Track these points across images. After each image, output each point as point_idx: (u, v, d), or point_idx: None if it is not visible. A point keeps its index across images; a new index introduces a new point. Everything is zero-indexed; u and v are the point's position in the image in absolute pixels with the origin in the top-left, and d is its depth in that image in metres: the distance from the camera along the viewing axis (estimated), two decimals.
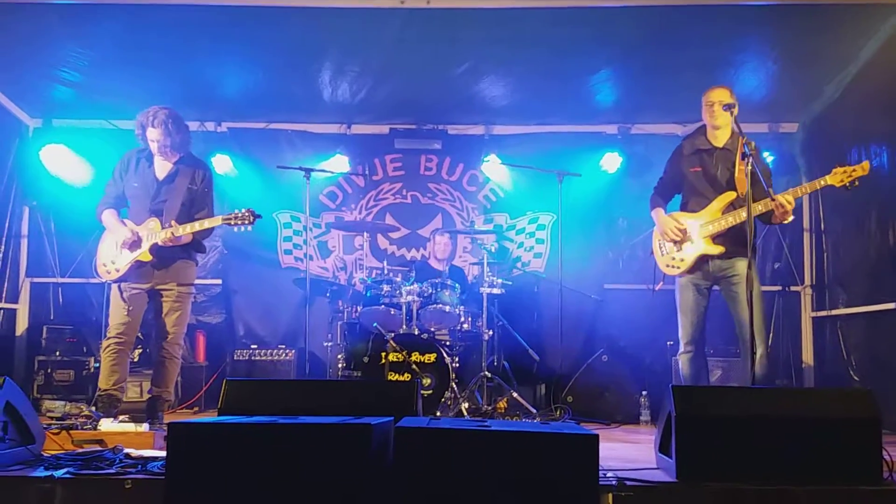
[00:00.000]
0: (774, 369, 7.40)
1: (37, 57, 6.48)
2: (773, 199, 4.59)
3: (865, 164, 4.60)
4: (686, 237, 5.01)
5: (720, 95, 4.95)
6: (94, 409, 4.80)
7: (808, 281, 7.63)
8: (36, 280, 7.84)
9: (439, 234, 7.41)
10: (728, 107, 4.82)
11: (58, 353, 7.08)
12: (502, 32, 6.06)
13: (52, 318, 7.73)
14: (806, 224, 7.69)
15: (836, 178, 4.61)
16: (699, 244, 4.95)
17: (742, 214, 4.72)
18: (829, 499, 3.01)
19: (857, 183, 4.59)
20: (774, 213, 4.68)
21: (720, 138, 5.02)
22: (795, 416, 3.20)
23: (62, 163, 7.55)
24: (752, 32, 6.10)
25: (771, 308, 7.60)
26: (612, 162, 7.70)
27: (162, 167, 5.23)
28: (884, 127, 6.11)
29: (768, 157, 7.18)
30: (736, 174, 4.90)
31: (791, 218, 4.76)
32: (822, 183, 4.66)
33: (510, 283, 6.81)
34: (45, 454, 3.59)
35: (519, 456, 2.75)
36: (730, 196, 4.90)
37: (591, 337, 7.58)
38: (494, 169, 7.81)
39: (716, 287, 5.05)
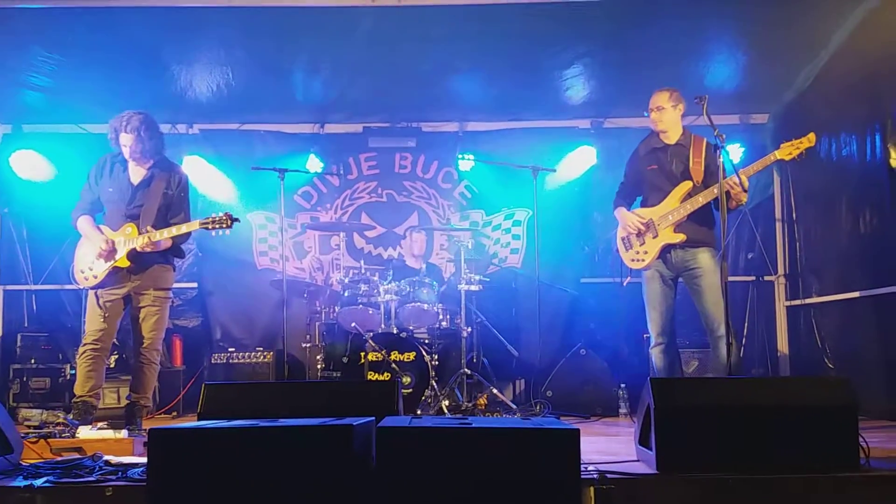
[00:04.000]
0: (750, 359, 7.48)
1: (3, 62, 6.40)
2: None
3: (811, 135, 4.75)
4: (648, 229, 5.11)
5: (656, 101, 5.15)
6: (69, 416, 4.75)
7: (781, 270, 7.70)
8: (9, 287, 7.73)
9: (415, 231, 7.41)
10: (660, 109, 5.10)
11: (33, 361, 7.00)
12: (473, 28, 6.07)
13: (26, 325, 7.62)
14: (778, 214, 7.76)
15: (784, 151, 4.79)
16: (661, 235, 5.08)
17: (699, 199, 4.94)
18: (808, 486, 3.05)
19: (805, 154, 4.75)
20: (730, 197, 4.77)
21: (672, 137, 5.20)
22: (773, 405, 3.24)
23: (33, 168, 7.45)
24: (721, 24, 6.13)
25: (745, 298, 7.67)
26: (585, 156, 7.72)
27: (136, 172, 5.18)
28: (854, 115, 6.16)
29: (739, 149, 7.28)
30: (691, 166, 5.06)
31: (745, 199, 4.86)
32: (772, 158, 4.83)
33: (488, 279, 6.82)
34: (24, 463, 3.57)
35: (501, 452, 2.76)
36: (686, 185, 5.06)
37: (568, 331, 7.60)
38: (469, 166, 7.82)
39: (681, 279, 5.14)
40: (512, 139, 7.87)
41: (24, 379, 6.92)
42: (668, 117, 5.13)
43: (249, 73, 6.87)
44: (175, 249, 5.25)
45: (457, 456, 2.76)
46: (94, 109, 7.01)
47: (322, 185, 8.10)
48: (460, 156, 7.68)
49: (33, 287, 7.69)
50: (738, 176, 4.69)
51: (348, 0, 5.62)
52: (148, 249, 4.98)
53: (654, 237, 5.10)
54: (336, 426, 2.79)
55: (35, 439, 4.03)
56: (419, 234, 7.36)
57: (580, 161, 7.75)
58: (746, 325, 7.64)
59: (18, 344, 7.18)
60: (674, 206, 5.04)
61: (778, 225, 7.78)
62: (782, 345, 7.64)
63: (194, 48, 6.43)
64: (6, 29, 5.86)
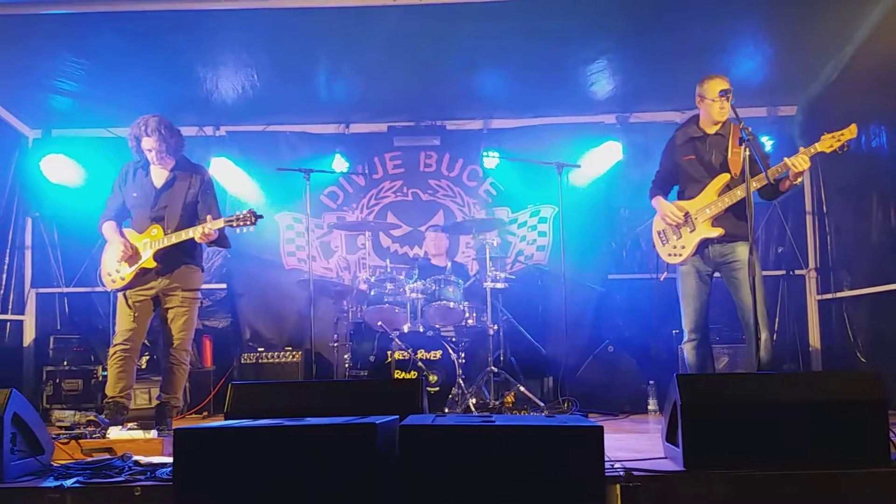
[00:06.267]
0: (781, 353, 7.39)
1: (33, 67, 6.50)
2: (786, 168, 4.56)
3: (853, 127, 4.57)
4: (685, 222, 5.02)
5: (720, 86, 4.88)
6: (101, 416, 4.80)
7: (812, 264, 7.61)
8: (41, 291, 7.86)
9: (432, 230, 7.42)
10: (725, 93, 4.84)
11: (65, 363, 7.08)
12: (496, 26, 6.06)
13: (58, 327, 7.73)
14: (808, 207, 7.67)
15: (825, 143, 4.60)
16: (699, 229, 4.96)
17: (738, 193, 4.78)
18: (838, 482, 3.00)
19: (846, 147, 4.58)
20: (787, 178, 4.66)
21: (714, 126, 5.03)
22: (802, 401, 3.19)
23: (63, 172, 7.57)
24: (747, 16, 6.07)
25: (776, 292, 7.56)
26: (611, 152, 7.67)
27: (159, 175, 5.23)
28: (882, 107, 6.08)
29: (767, 142, 7.19)
30: (729, 157, 4.91)
31: (801, 180, 4.74)
32: (813, 150, 4.63)
33: (513, 276, 6.81)
34: (55, 464, 3.60)
35: (524, 451, 2.75)
36: (724, 178, 4.92)
37: (596, 328, 7.55)
38: (494, 163, 7.80)
39: (717, 274, 5.05)
40: (537, 136, 7.84)
41: (57, 381, 6.99)
42: (729, 104, 4.89)
43: (274, 75, 6.91)
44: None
45: (479, 454, 2.75)
46: (122, 113, 7.04)
47: (348, 184, 8.13)
48: (485, 153, 7.68)
49: (65, 290, 7.81)
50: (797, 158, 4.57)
51: (370, 0, 5.64)
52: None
53: (692, 231, 4.99)
54: (359, 425, 2.80)
55: (66, 440, 4.08)
56: (436, 233, 7.37)
57: (606, 156, 7.70)
58: (777, 319, 7.54)
59: (51, 346, 7.27)
60: (711, 199, 4.92)
61: (808, 218, 7.68)
62: (814, 339, 7.54)
63: (219, 51, 6.49)
64: (35, 34, 5.96)
